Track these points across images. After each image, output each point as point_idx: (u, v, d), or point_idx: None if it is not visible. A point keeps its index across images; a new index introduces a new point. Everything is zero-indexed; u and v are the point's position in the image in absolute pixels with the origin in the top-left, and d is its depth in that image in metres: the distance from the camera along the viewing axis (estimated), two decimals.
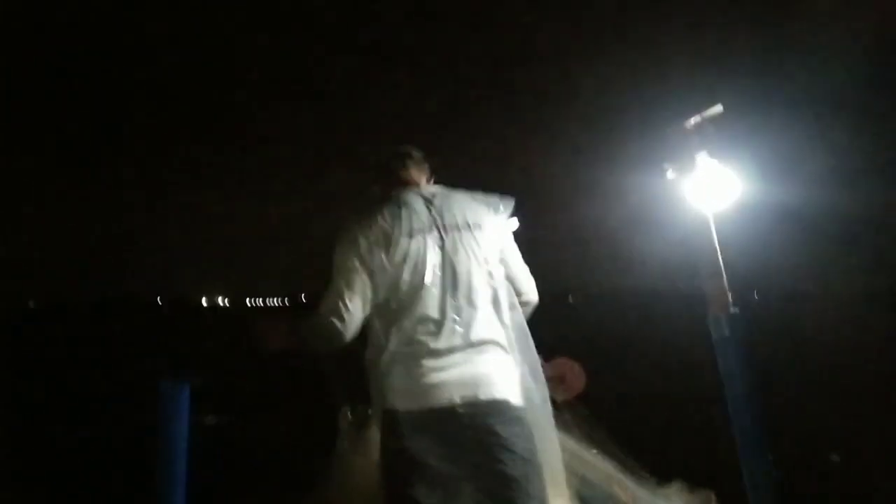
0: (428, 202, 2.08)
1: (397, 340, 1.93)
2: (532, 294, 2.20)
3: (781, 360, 7.24)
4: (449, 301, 1.93)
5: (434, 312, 1.91)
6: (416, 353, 1.89)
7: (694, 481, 2.40)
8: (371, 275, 1.98)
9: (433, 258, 1.97)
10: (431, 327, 1.90)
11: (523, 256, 2.18)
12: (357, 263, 2.00)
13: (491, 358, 1.90)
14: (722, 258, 2.47)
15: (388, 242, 1.99)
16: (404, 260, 1.96)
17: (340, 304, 2.01)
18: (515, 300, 2.08)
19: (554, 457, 2.02)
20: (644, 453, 2.40)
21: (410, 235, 1.99)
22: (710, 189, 2.48)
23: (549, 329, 2.39)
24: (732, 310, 2.40)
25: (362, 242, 2.01)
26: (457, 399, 1.83)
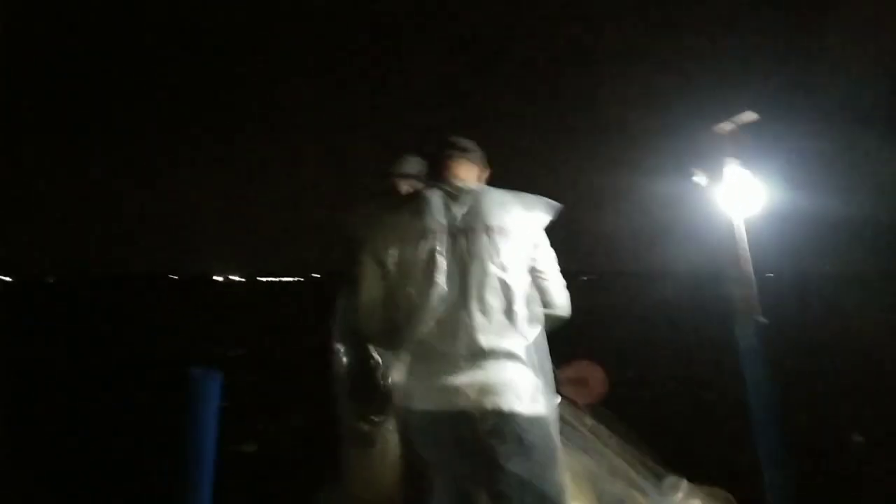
0: (452, 201, 2.00)
1: (410, 341, 1.91)
2: (562, 307, 2.08)
3: (809, 370, 7.14)
4: (458, 306, 1.87)
5: (443, 316, 1.86)
6: (427, 355, 1.88)
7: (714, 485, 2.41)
8: (384, 272, 1.97)
9: (445, 261, 1.90)
10: (441, 331, 1.87)
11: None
12: (371, 264, 2.00)
13: (501, 368, 1.84)
14: (751, 266, 2.45)
15: (402, 240, 1.95)
16: (415, 260, 1.92)
17: (354, 299, 2.04)
18: (539, 312, 1.99)
19: (561, 471, 1.95)
20: (665, 457, 2.41)
21: (424, 235, 1.93)
22: (739, 195, 2.46)
23: (572, 333, 2.36)
24: (761, 319, 2.38)
25: (378, 238, 2.00)
26: (465, 405, 1.81)
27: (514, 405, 1.81)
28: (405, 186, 2.58)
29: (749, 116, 2.33)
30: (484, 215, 1.96)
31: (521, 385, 1.84)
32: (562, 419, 2.02)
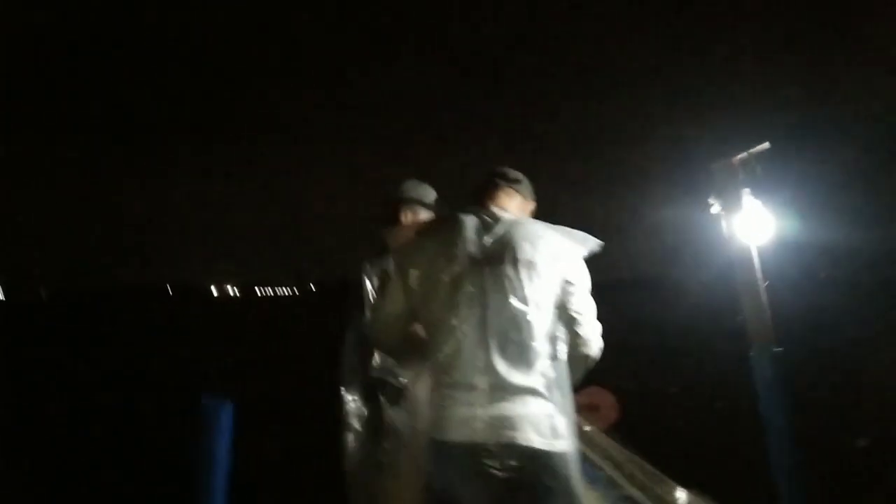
0: (485, 228, 1.97)
1: (436, 369, 1.90)
2: (590, 345, 2.00)
3: (823, 398, 7.06)
4: (477, 338, 1.84)
5: (462, 346, 1.84)
6: (446, 385, 1.86)
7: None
8: (407, 294, 1.96)
9: (468, 289, 1.87)
10: (459, 361, 1.84)
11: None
12: (396, 279, 2.00)
13: (521, 402, 1.80)
14: (766, 295, 2.44)
15: (427, 262, 1.94)
16: (438, 284, 1.90)
17: (376, 315, 2.08)
18: (562, 349, 1.94)
19: None
20: (680, 473, 2.39)
21: (450, 260, 1.90)
22: (754, 225, 2.47)
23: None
24: (776, 349, 2.36)
25: (405, 256, 2.00)
26: (484, 438, 1.78)
27: (534, 441, 1.78)
28: (409, 213, 2.59)
29: (763, 147, 2.34)
30: (515, 247, 1.92)
31: (542, 421, 1.80)
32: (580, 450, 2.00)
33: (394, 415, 2.26)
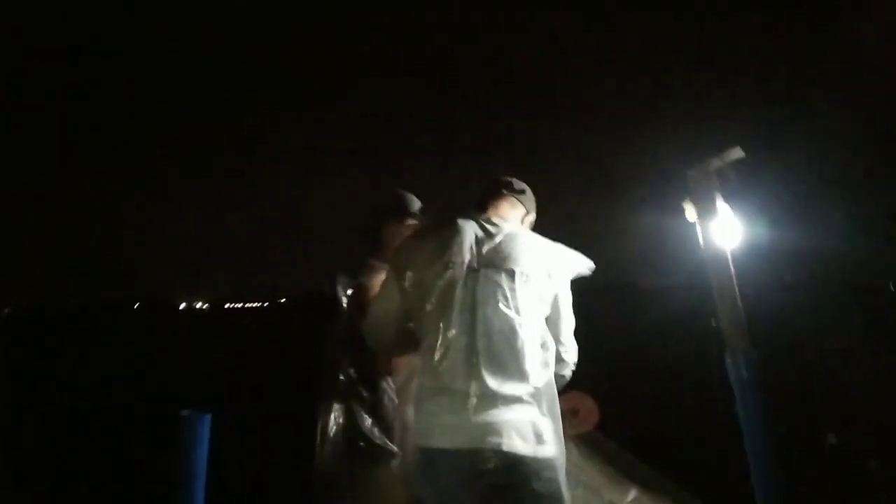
0: (484, 236, 1.99)
1: (423, 373, 1.90)
2: (567, 356, 2.07)
3: (799, 397, 7.20)
4: (466, 344, 1.84)
5: (451, 351, 1.84)
6: (434, 391, 1.85)
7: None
8: (402, 294, 1.97)
9: (461, 296, 1.88)
10: (448, 367, 1.84)
11: None
12: (393, 279, 2.01)
13: (508, 409, 1.80)
14: (740, 300, 2.48)
15: (424, 267, 1.95)
16: (432, 290, 1.91)
17: (371, 313, 2.08)
18: (550, 359, 1.96)
19: None
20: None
21: (447, 267, 1.91)
22: (728, 231, 2.50)
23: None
24: (751, 351, 2.40)
25: (402, 261, 2.01)
26: (472, 445, 1.78)
27: (520, 448, 1.78)
28: (392, 224, 2.58)
29: (737, 153, 2.38)
30: (511, 256, 1.94)
31: (526, 427, 1.81)
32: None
33: (369, 425, 2.25)
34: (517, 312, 1.88)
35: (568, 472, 2.00)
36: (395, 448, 2.20)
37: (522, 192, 2.20)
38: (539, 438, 1.81)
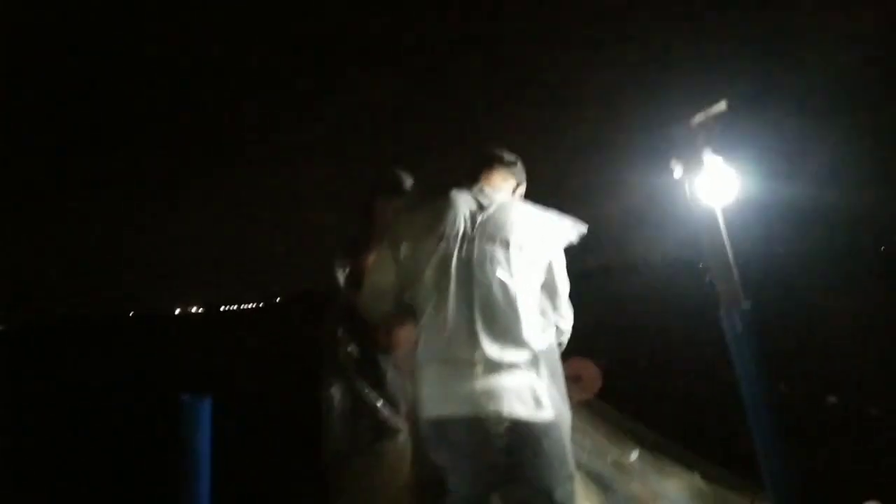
0: (477, 207, 2.00)
1: (423, 344, 1.92)
2: (563, 322, 2.11)
3: (795, 350, 7.27)
4: (464, 313, 1.87)
5: (451, 321, 1.86)
6: (438, 359, 1.88)
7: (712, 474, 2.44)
8: (398, 267, 1.99)
9: (456, 266, 1.90)
10: (445, 335, 1.87)
11: None
12: (387, 252, 2.03)
13: (508, 375, 1.84)
14: (731, 254, 2.48)
15: (418, 239, 1.97)
16: (428, 261, 1.92)
17: (365, 287, 2.10)
18: (548, 325, 2.01)
19: (573, 477, 1.96)
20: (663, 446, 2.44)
21: (441, 238, 1.93)
22: (716, 186, 2.49)
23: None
24: (744, 305, 2.41)
25: (398, 232, 2.03)
26: (476, 412, 1.81)
27: (519, 412, 1.81)
28: (387, 202, 2.56)
29: (720, 107, 2.36)
30: (504, 226, 1.96)
31: (525, 392, 1.84)
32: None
33: (374, 400, 2.27)
34: (513, 281, 1.90)
35: (573, 436, 2.03)
36: (400, 422, 2.22)
37: (514, 163, 2.21)
38: (538, 403, 1.85)
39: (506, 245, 1.92)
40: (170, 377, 13.56)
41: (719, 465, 2.55)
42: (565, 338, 2.14)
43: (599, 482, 2.27)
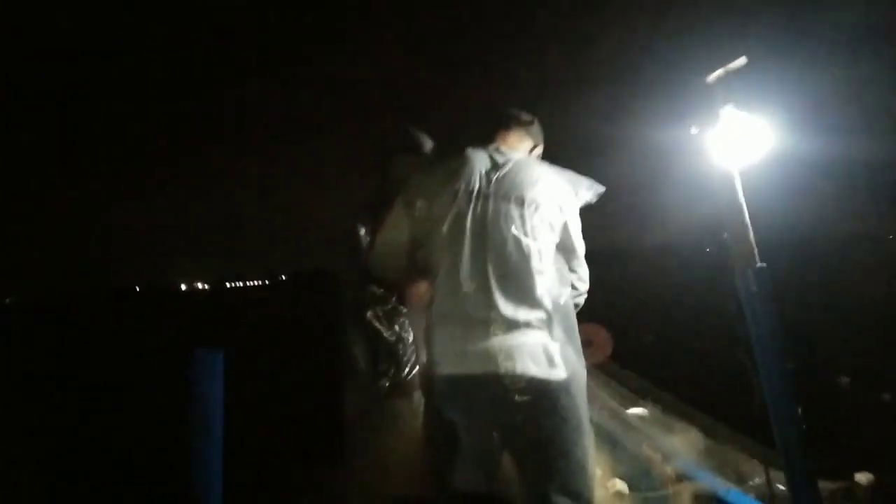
0: (493, 166, 1.99)
1: (438, 302, 1.92)
2: (580, 282, 2.11)
3: (811, 309, 7.22)
4: (478, 271, 1.86)
5: (465, 280, 1.87)
6: (452, 317, 1.88)
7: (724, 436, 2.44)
8: (412, 223, 1.99)
9: (471, 224, 1.89)
10: (462, 293, 1.87)
11: None
12: (402, 208, 2.03)
13: (518, 334, 1.84)
14: (748, 212, 2.44)
15: (433, 197, 1.96)
16: (443, 219, 1.92)
17: (377, 243, 2.12)
18: (563, 284, 1.99)
19: (588, 435, 1.97)
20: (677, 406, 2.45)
21: (456, 195, 1.93)
22: (735, 143, 2.44)
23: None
24: (759, 264, 2.38)
25: (412, 191, 2.02)
26: (489, 369, 1.81)
27: (532, 370, 1.82)
28: (402, 162, 2.54)
29: (739, 62, 2.30)
30: (519, 185, 1.95)
31: (538, 351, 1.84)
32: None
33: (390, 358, 2.28)
34: (528, 239, 1.89)
35: (587, 395, 2.05)
36: (416, 380, 2.24)
37: (531, 123, 2.19)
38: (551, 361, 1.85)
39: (521, 203, 1.91)
40: (180, 342, 13.82)
41: (731, 427, 2.56)
42: (582, 298, 2.14)
43: (608, 439, 2.29)
